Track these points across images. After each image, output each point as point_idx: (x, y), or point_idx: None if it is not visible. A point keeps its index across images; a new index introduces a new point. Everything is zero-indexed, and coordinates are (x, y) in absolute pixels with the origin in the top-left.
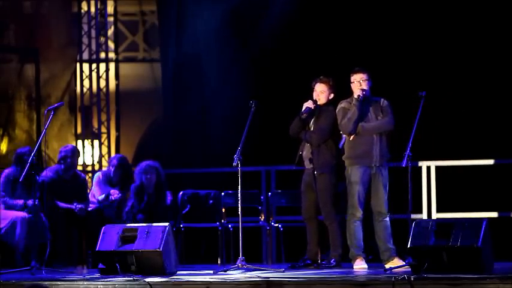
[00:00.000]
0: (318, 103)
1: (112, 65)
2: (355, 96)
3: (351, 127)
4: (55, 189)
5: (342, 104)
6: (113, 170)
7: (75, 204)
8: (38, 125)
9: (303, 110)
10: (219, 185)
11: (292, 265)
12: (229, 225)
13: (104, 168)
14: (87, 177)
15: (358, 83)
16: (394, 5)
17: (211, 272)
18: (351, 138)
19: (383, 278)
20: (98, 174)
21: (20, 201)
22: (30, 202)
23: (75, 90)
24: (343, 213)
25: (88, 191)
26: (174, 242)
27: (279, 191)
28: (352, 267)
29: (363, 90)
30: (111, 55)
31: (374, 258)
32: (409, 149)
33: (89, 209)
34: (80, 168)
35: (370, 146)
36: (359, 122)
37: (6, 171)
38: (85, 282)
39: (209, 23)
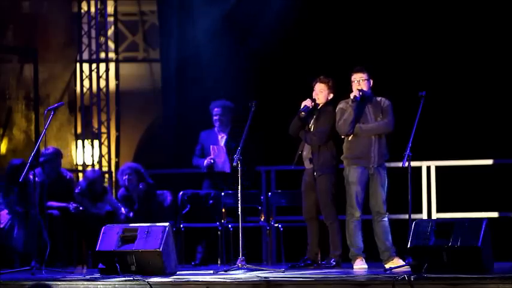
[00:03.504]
0: (317, 102)
1: (112, 65)
2: (351, 96)
3: (347, 128)
4: (44, 191)
5: (341, 105)
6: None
7: (71, 203)
8: (37, 125)
9: (301, 108)
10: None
11: (292, 265)
12: (229, 225)
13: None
14: None
15: (358, 82)
16: (394, 5)
17: (211, 272)
18: (349, 139)
19: (383, 278)
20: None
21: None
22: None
23: (75, 90)
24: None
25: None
26: (174, 242)
27: (279, 191)
28: (352, 267)
29: (359, 90)
30: (111, 55)
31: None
32: (409, 149)
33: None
34: (79, 168)
35: (368, 147)
36: (357, 122)
37: None
38: (85, 282)
39: (209, 23)
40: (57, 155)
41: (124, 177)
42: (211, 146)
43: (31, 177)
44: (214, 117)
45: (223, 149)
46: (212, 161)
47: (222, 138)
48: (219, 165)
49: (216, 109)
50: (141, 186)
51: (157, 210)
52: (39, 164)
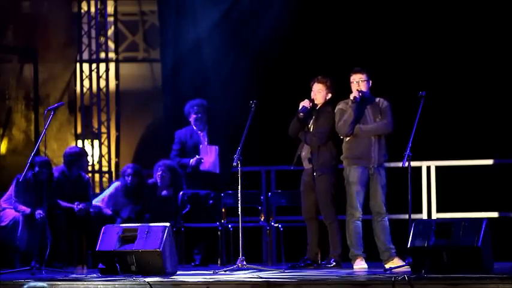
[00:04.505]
0: (315, 102)
1: (112, 65)
2: (351, 97)
3: (347, 129)
4: (59, 189)
5: (340, 105)
6: (129, 179)
7: (76, 203)
8: (36, 125)
9: (299, 109)
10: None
11: (292, 265)
12: (229, 225)
13: (104, 169)
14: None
15: (357, 83)
16: (394, 5)
17: (211, 272)
18: (346, 139)
19: (383, 278)
20: (115, 185)
21: (27, 210)
22: (37, 212)
23: (75, 90)
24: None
25: (93, 191)
26: (174, 242)
27: (279, 191)
28: (352, 267)
29: (359, 91)
30: (111, 55)
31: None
32: (409, 149)
33: (91, 209)
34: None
35: (368, 147)
36: (356, 123)
37: (19, 176)
38: (85, 282)
39: (209, 23)
40: (83, 154)
41: (157, 173)
42: (201, 145)
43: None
44: (195, 116)
45: (215, 149)
46: (203, 160)
47: (204, 138)
48: (206, 165)
49: (195, 107)
50: (164, 192)
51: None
52: (65, 163)
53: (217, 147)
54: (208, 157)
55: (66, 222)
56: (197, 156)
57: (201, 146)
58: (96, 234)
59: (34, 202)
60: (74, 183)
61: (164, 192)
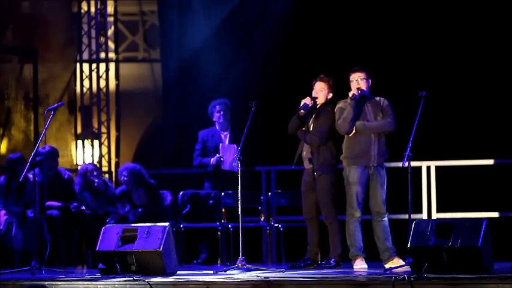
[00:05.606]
0: (316, 101)
1: (112, 65)
2: (350, 95)
3: (347, 127)
4: (44, 190)
5: (340, 104)
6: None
7: (73, 203)
8: (36, 126)
9: (300, 106)
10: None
11: (292, 265)
12: (229, 225)
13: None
14: None
15: (356, 82)
16: (394, 5)
17: (211, 272)
18: (350, 135)
19: (383, 278)
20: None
21: (18, 210)
22: (29, 211)
23: (75, 90)
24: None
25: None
26: (174, 242)
27: (279, 191)
28: (352, 267)
29: (358, 89)
30: (111, 55)
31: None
32: (409, 149)
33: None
34: (79, 168)
35: (368, 146)
36: (355, 120)
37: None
38: (85, 282)
39: (209, 23)
40: (53, 153)
41: (121, 178)
42: (220, 144)
43: (30, 176)
44: (217, 114)
45: (234, 148)
46: (222, 159)
47: (225, 137)
48: (226, 164)
49: (217, 106)
50: (126, 209)
51: (162, 211)
52: (37, 163)
53: (235, 145)
54: (228, 156)
55: (63, 222)
56: (217, 155)
57: (221, 144)
58: (96, 234)
59: (28, 201)
60: (52, 183)
61: (137, 196)
